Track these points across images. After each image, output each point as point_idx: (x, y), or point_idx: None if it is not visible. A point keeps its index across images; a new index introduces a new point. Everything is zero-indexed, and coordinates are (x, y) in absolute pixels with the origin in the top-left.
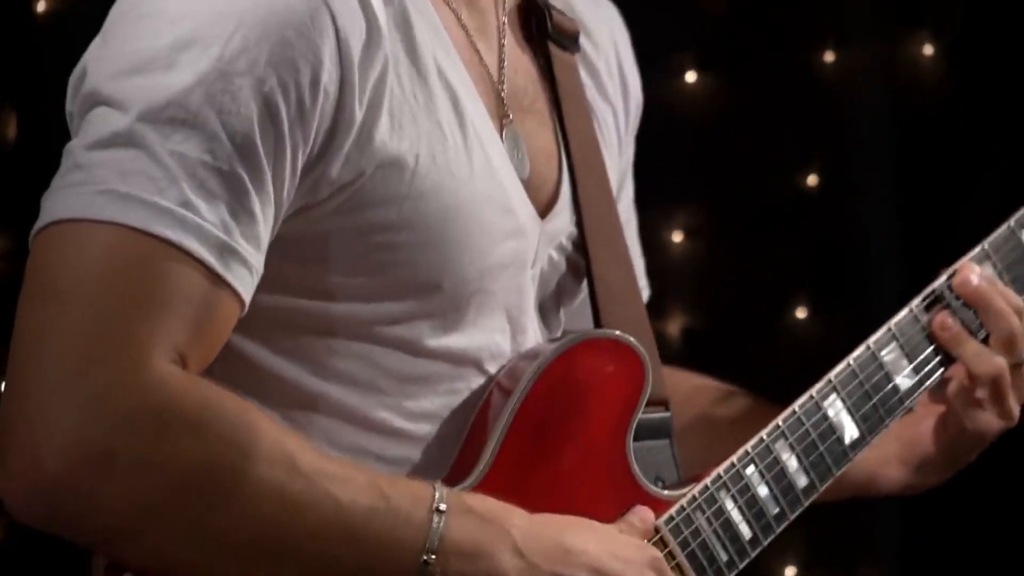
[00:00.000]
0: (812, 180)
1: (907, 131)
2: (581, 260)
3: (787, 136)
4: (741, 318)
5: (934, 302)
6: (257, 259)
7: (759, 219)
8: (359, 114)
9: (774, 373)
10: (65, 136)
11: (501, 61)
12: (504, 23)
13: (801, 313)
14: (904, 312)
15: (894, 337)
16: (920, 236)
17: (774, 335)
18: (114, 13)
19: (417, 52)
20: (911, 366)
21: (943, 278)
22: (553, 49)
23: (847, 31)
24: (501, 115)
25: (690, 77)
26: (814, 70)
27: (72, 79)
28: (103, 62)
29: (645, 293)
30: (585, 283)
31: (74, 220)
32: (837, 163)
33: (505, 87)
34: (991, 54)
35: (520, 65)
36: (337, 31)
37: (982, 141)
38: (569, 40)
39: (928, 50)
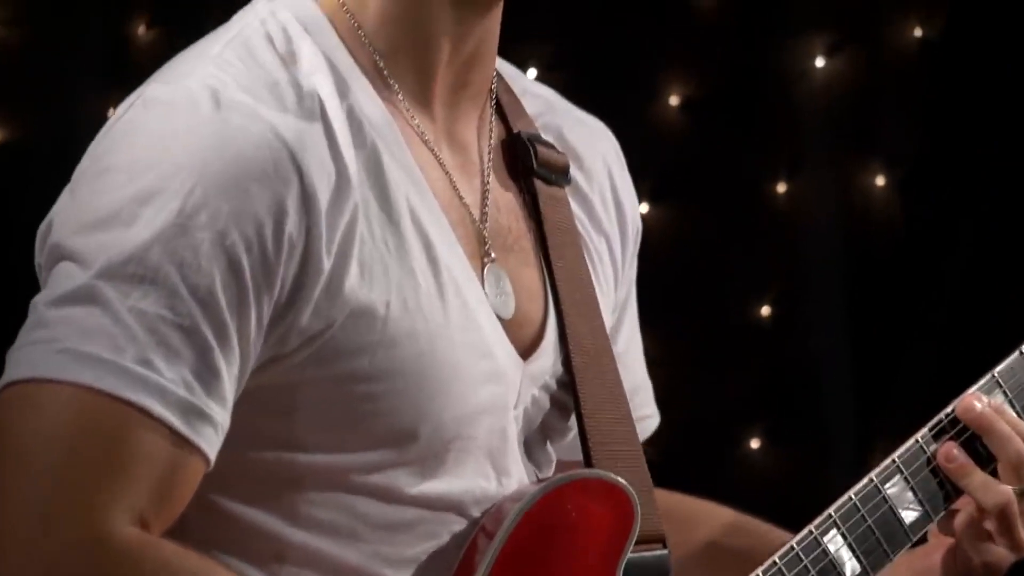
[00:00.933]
0: (765, 311)
1: (860, 262)
2: (569, 398)
3: (741, 267)
4: (695, 448)
5: (940, 432)
6: (223, 416)
7: (713, 349)
8: (327, 263)
9: (729, 504)
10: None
11: (484, 199)
12: (488, 160)
13: (755, 443)
14: (909, 443)
15: (899, 469)
16: (873, 367)
17: (728, 465)
18: (81, 165)
19: (389, 197)
20: (916, 499)
21: (949, 408)
22: (539, 184)
23: (800, 162)
24: (482, 255)
25: (643, 208)
26: (767, 201)
27: (40, 231)
28: (68, 216)
29: (655, 420)
30: (575, 420)
31: (34, 380)
32: (790, 294)
33: (487, 225)
34: (943, 185)
35: (504, 202)
36: (302, 180)
37: (934, 272)
38: (558, 174)
39: (880, 181)
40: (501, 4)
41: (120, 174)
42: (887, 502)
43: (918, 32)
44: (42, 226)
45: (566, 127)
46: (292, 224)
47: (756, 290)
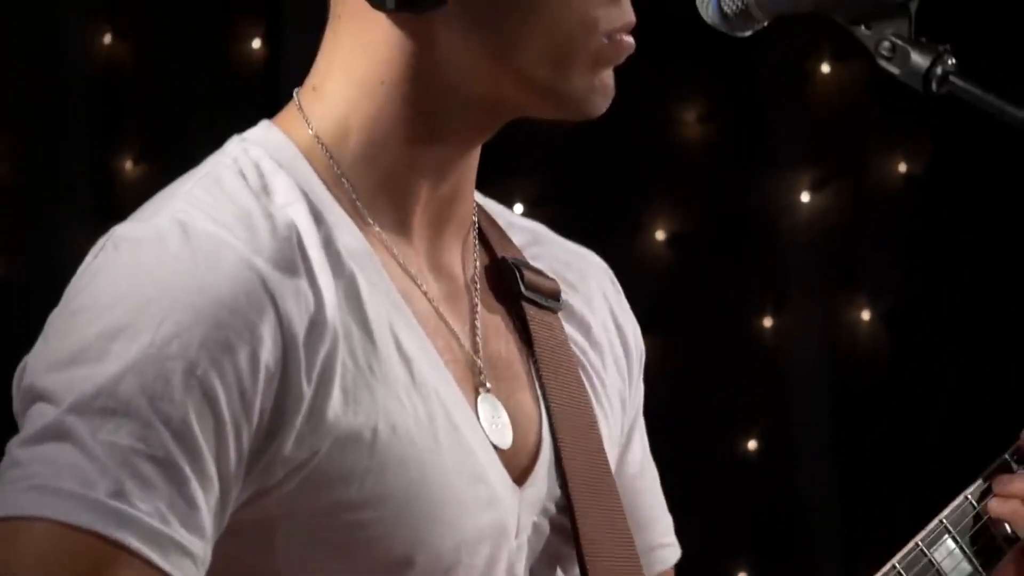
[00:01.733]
0: (752, 445)
1: (846, 396)
2: (569, 524)
3: (727, 401)
4: None
5: (988, 490)
6: (201, 548)
7: (699, 483)
8: (307, 390)
9: None
10: None
11: (473, 326)
12: (475, 287)
13: None
14: (957, 501)
15: (946, 530)
16: (860, 502)
17: None
18: (54, 312)
19: (370, 324)
20: (966, 557)
21: (1005, 454)
22: (529, 308)
23: (786, 296)
24: (476, 384)
25: None
26: (753, 335)
27: (15, 377)
28: (40, 358)
29: (675, 551)
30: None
31: (7, 519)
32: (777, 428)
33: (480, 353)
34: (928, 319)
35: (493, 328)
36: (276, 307)
37: (920, 406)
38: (548, 297)
39: (866, 315)
40: (479, 148)
41: (89, 312)
42: (933, 566)
43: (903, 167)
44: (17, 371)
45: (556, 257)
46: (268, 351)
47: (743, 424)
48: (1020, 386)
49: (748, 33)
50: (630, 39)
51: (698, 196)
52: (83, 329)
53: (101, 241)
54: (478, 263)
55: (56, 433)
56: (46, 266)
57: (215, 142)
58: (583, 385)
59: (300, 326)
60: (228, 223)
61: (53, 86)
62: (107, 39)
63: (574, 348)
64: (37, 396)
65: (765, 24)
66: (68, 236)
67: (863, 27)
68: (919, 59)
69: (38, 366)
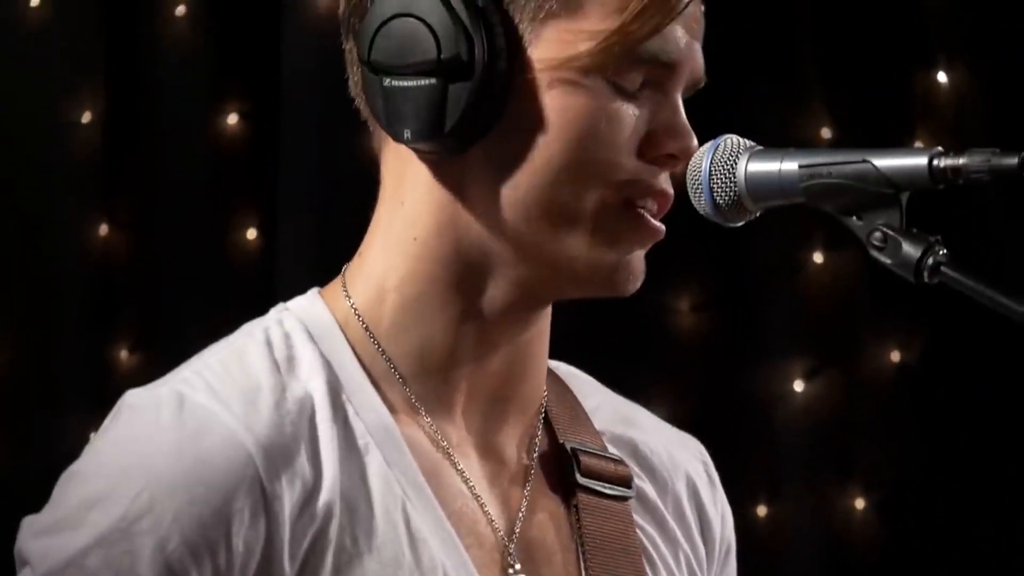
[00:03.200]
0: None
1: None
2: None
3: None
4: None
5: None
6: None
7: None
8: (289, 570)
9: None
10: None
11: (516, 512)
12: (530, 473)
13: None
14: None
15: None
16: None
17: None
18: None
19: (374, 503)
20: None
21: None
22: (585, 497)
23: (780, 485)
24: (504, 566)
25: None
26: (748, 524)
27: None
28: (33, 521)
29: None
30: None
31: None
32: None
33: (515, 538)
34: (922, 509)
35: (542, 517)
36: (262, 486)
37: None
38: (614, 485)
39: (860, 504)
40: (534, 326)
41: (78, 477)
42: None
43: (896, 357)
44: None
45: (643, 440)
46: (247, 530)
47: None
48: None
49: (741, 223)
50: (656, 224)
51: (691, 385)
52: (69, 495)
53: (117, 403)
54: (537, 448)
55: None
56: (46, 457)
57: (211, 331)
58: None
59: (288, 504)
60: (227, 397)
61: (50, 276)
62: (103, 229)
63: (643, 538)
64: (23, 560)
65: (758, 214)
66: (64, 426)
67: (855, 218)
68: (911, 249)
69: (27, 530)
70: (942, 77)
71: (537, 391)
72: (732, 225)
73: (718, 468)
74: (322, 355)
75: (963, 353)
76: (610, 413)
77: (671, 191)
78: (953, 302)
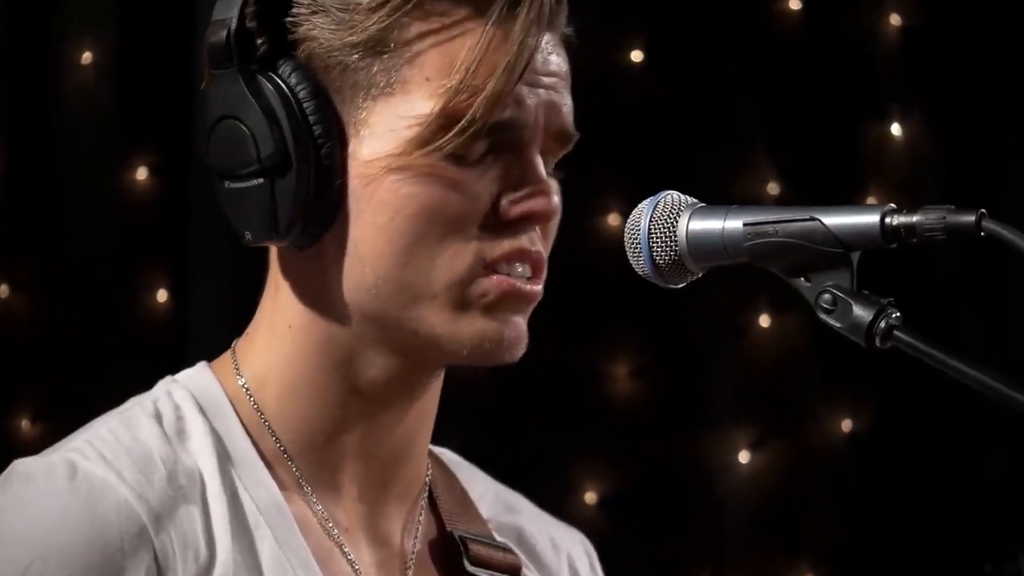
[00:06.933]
0: None
1: None
2: None
3: None
4: None
5: None
6: None
7: None
8: None
9: None
10: None
11: None
12: (411, 558)
13: None
14: None
15: None
16: None
17: None
18: None
19: None
20: None
21: None
22: None
23: (724, 560)
24: None
25: None
26: None
27: None
28: None
29: None
30: None
31: None
32: None
33: None
34: None
35: None
36: (155, 554)
37: None
38: (501, 573)
39: None
40: (418, 407)
41: None
42: None
43: (847, 426)
44: None
45: (528, 529)
46: None
47: None
48: None
49: (682, 285)
50: (524, 288)
51: (630, 456)
52: None
53: (5, 472)
54: (419, 533)
55: None
56: None
57: (119, 399)
58: None
59: (180, 574)
60: (120, 466)
61: None
62: (3, 290)
63: None
64: None
65: (699, 275)
66: None
67: (803, 279)
68: (862, 312)
69: None
70: (896, 129)
71: (420, 474)
72: (673, 286)
73: (660, 544)
74: (212, 428)
75: (916, 421)
76: (494, 499)
77: (539, 249)
78: (906, 367)
